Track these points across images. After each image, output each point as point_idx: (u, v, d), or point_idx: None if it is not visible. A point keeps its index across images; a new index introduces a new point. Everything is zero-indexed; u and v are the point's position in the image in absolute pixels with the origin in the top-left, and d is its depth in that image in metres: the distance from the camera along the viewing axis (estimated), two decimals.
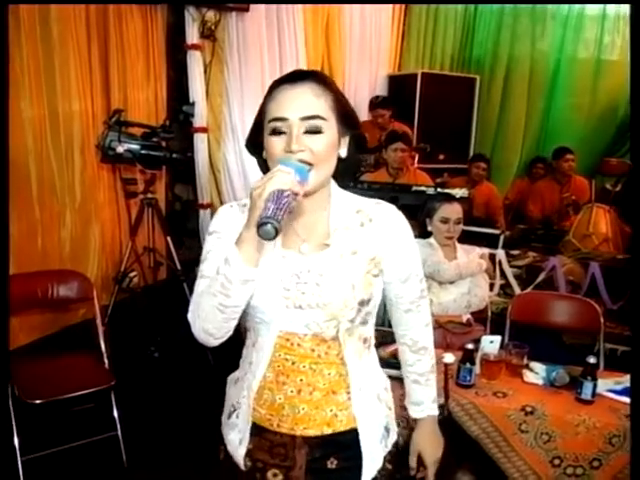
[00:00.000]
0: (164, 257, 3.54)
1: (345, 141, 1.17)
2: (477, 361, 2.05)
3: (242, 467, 1.23)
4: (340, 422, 1.20)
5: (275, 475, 1.21)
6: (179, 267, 3.44)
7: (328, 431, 1.19)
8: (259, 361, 1.19)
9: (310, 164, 1.08)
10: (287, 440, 1.19)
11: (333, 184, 1.20)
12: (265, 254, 1.11)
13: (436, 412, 1.36)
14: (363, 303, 1.16)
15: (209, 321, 1.10)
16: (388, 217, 1.21)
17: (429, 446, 1.36)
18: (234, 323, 1.12)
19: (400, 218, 1.23)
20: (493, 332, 2.56)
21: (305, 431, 1.18)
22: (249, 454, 1.22)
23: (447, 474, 2.02)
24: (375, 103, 5.03)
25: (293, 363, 1.17)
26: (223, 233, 1.18)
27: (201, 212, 4.31)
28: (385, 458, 1.25)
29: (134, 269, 3.35)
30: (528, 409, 1.88)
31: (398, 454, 1.31)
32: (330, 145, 1.12)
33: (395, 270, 1.22)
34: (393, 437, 1.29)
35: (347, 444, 1.20)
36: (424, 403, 1.34)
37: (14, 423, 2.51)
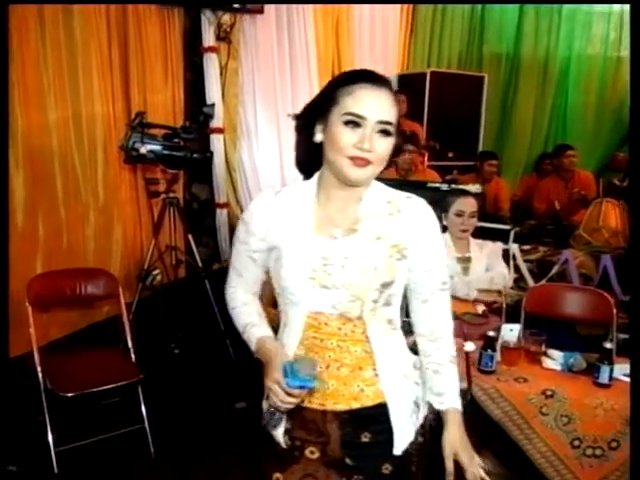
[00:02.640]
0: (184, 255, 3.61)
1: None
2: (497, 348, 2.12)
3: (283, 445, 1.30)
4: (367, 397, 1.26)
5: (312, 452, 1.28)
6: (200, 265, 3.52)
7: (356, 405, 1.26)
8: (290, 340, 1.27)
9: (370, 162, 1.17)
10: (318, 416, 1.27)
11: None
12: (297, 239, 1.23)
13: (459, 406, 1.31)
14: (385, 285, 1.23)
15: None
16: (417, 210, 1.29)
17: (462, 447, 1.28)
18: None
19: (428, 212, 1.30)
20: (509, 323, 2.62)
21: (335, 406, 1.26)
22: (287, 432, 1.30)
23: None
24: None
25: (321, 341, 1.25)
26: (251, 225, 1.30)
27: (217, 211, 4.40)
28: (417, 432, 1.31)
29: (157, 267, 3.42)
30: (548, 393, 1.95)
31: (431, 429, 1.36)
32: (391, 148, 1.21)
33: (419, 260, 1.28)
34: (423, 411, 1.34)
35: (377, 418, 1.27)
36: (446, 394, 1.30)
37: (47, 417, 2.59)
